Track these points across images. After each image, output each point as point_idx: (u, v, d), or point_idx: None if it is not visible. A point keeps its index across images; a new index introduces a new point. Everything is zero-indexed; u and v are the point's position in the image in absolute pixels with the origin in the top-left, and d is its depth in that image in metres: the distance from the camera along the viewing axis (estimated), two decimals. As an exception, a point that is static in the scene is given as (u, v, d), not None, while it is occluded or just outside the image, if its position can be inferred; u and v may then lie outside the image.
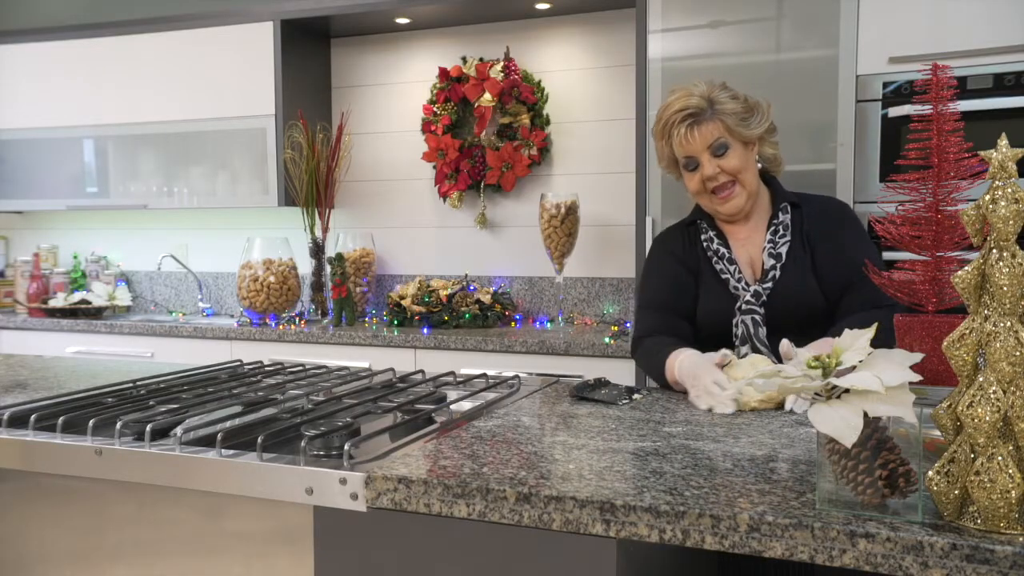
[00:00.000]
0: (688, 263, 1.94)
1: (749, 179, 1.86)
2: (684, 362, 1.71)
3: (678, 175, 1.94)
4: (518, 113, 3.37)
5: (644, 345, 1.90)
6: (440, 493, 1.11)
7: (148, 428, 1.31)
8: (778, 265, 1.84)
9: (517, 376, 1.84)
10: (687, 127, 1.82)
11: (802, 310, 1.80)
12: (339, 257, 3.34)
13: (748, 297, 1.82)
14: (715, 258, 1.90)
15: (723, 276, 1.88)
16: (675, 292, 1.93)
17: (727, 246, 1.90)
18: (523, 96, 3.36)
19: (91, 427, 1.35)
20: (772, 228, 1.87)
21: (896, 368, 0.95)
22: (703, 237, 1.93)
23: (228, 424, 1.39)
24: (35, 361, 2.28)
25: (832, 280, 1.81)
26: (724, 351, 1.66)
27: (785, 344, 1.32)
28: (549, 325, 3.26)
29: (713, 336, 1.84)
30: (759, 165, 1.92)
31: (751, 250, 1.90)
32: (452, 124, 3.50)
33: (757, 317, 1.80)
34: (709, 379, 1.60)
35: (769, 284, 1.83)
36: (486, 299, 3.23)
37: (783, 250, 1.85)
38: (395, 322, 3.25)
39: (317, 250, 3.53)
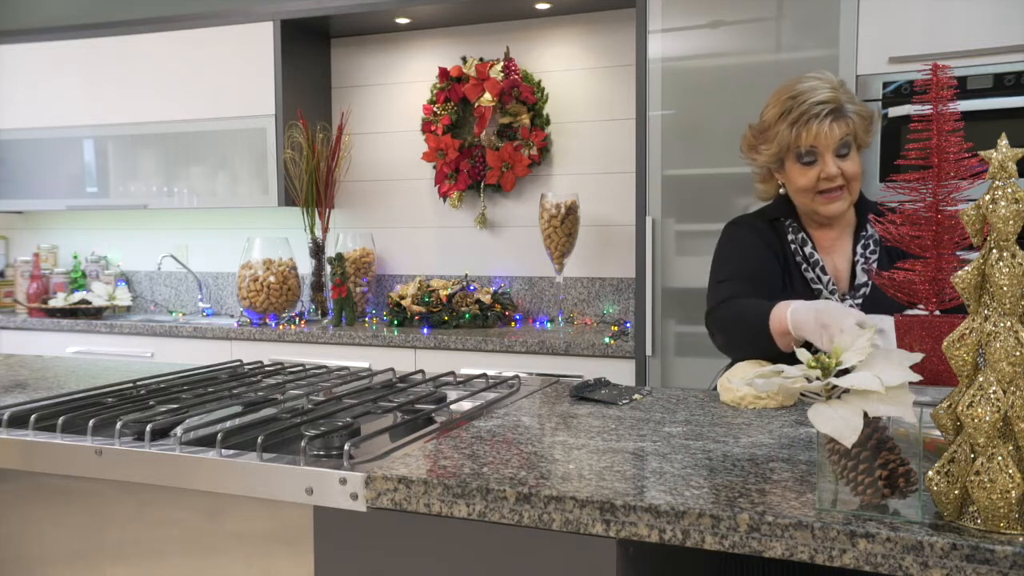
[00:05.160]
0: (777, 254, 1.85)
1: (857, 187, 1.81)
2: (801, 306, 1.57)
3: (771, 169, 1.86)
4: (518, 113, 3.37)
5: (731, 305, 1.75)
6: (440, 493, 1.11)
7: (148, 428, 1.31)
8: (870, 283, 1.78)
9: (517, 376, 1.83)
10: (830, 121, 1.74)
11: None
12: (339, 257, 3.34)
13: None
14: (805, 264, 1.83)
15: (814, 285, 1.81)
16: (764, 270, 1.82)
17: (818, 252, 1.84)
18: (523, 96, 3.36)
19: (91, 427, 1.35)
20: (862, 242, 1.82)
21: (896, 368, 0.96)
22: (791, 238, 1.86)
23: (228, 424, 1.39)
24: (35, 361, 2.28)
25: None
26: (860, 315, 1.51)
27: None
28: (549, 325, 3.26)
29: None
30: None
31: (836, 259, 1.85)
32: (452, 124, 3.50)
33: None
34: (851, 321, 1.43)
35: (859, 300, 1.78)
36: (486, 299, 3.23)
37: (875, 267, 1.78)
38: (395, 322, 3.25)
39: (317, 250, 3.53)
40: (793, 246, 1.85)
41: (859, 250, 1.82)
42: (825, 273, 1.81)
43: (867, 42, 2.41)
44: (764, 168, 1.88)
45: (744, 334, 1.71)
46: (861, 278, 1.80)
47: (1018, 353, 0.90)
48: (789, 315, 1.59)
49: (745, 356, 1.72)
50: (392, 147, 3.68)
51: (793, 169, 1.80)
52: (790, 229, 1.86)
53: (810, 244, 1.84)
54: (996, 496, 0.88)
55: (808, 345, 1.60)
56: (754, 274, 1.82)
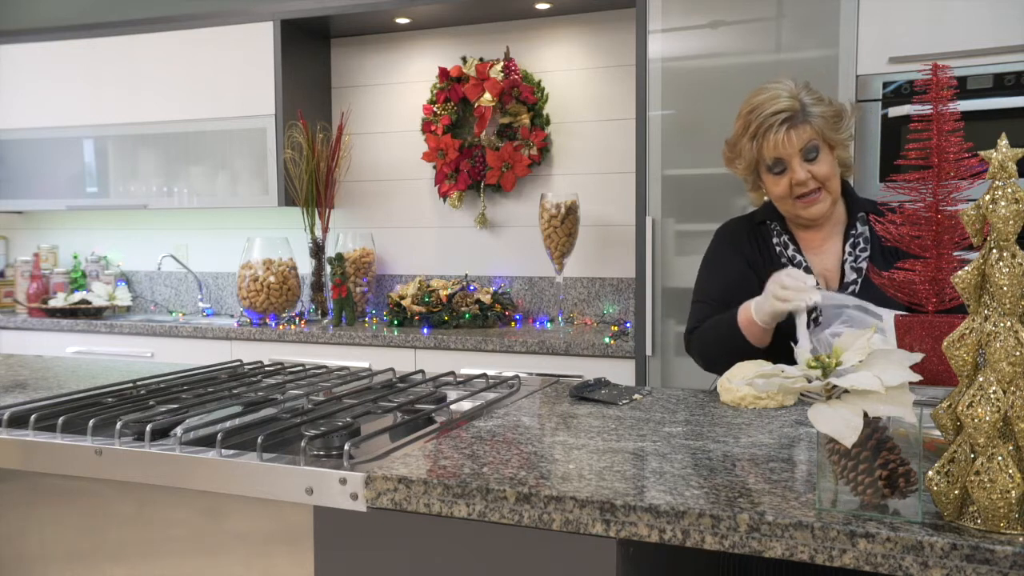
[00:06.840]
0: (756, 263, 1.89)
1: (835, 186, 1.81)
2: (756, 298, 1.72)
3: (754, 179, 1.88)
4: (518, 113, 3.37)
5: (702, 328, 1.87)
6: (440, 493, 1.11)
7: (148, 428, 1.31)
8: (859, 280, 1.79)
9: (517, 376, 1.83)
10: (785, 129, 1.75)
11: None
12: (339, 257, 3.34)
13: None
14: (789, 266, 1.83)
15: None
16: (737, 291, 1.86)
17: (802, 254, 1.85)
18: (523, 96, 3.36)
19: (91, 427, 1.35)
20: (851, 240, 1.83)
21: (896, 368, 0.95)
22: (775, 240, 1.88)
23: (228, 424, 1.39)
24: (35, 361, 2.28)
25: None
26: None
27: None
28: (549, 325, 3.26)
29: (785, 344, 1.72)
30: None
31: (825, 259, 1.86)
32: (452, 124, 3.50)
33: None
34: (785, 278, 1.62)
35: None
36: (486, 299, 3.23)
37: (864, 264, 1.79)
38: (395, 322, 3.25)
39: (317, 250, 3.53)
40: (778, 248, 1.88)
41: (848, 248, 1.83)
42: (809, 274, 1.81)
43: (867, 42, 2.41)
44: (748, 179, 1.91)
45: (719, 341, 1.80)
46: (850, 276, 1.80)
47: (1018, 353, 0.90)
48: (752, 303, 1.72)
49: (726, 367, 1.79)
50: (392, 147, 3.68)
51: (767, 179, 1.84)
52: (775, 232, 1.90)
53: (793, 246, 1.87)
54: (996, 496, 0.88)
55: (781, 336, 1.69)
56: (724, 298, 1.88)
